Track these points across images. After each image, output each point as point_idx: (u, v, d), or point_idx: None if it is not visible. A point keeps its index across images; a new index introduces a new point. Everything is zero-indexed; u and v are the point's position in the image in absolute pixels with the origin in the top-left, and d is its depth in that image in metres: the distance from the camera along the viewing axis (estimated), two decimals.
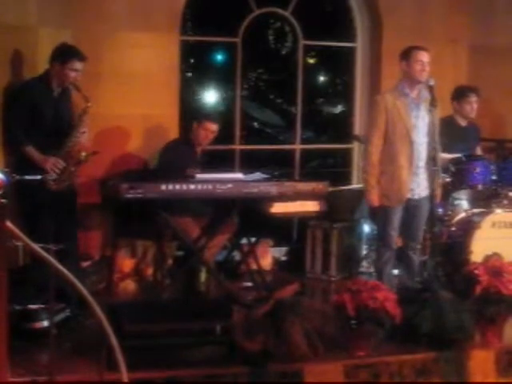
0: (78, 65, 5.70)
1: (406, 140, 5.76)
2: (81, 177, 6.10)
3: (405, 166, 5.77)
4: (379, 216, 5.95)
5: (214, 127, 6.46)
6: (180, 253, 6.47)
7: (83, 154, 5.75)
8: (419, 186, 5.85)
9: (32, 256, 4.73)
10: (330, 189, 5.93)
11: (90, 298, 3.17)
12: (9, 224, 2.95)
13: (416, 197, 5.85)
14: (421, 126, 5.81)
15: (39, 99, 5.70)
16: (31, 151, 5.61)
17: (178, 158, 6.23)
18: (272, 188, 5.59)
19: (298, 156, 7.91)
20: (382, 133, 5.77)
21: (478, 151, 7.11)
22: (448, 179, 6.41)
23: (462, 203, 6.78)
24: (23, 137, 5.62)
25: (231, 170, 7.21)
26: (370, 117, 6.08)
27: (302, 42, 7.79)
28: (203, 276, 6.56)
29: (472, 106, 6.88)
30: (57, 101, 5.80)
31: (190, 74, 8.31)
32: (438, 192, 5.93)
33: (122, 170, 6.58)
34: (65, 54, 5.70)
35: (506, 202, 6.65)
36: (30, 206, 5.53)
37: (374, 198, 5.79)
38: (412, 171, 5.79)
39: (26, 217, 5.32)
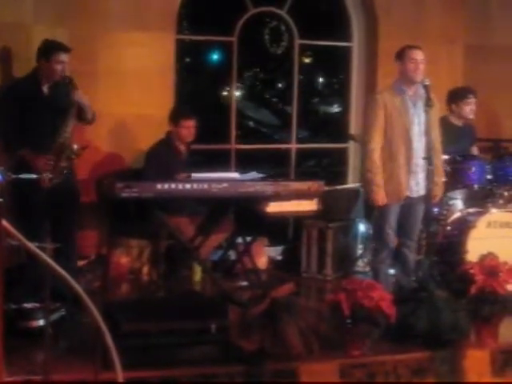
0: (63, 56, 5.69)
1: (405, 137, 5.77)
2: (76, 175, 6.09)
3: (403, 164, 5.78)
4: (376, 214, 5.95)
5: (192, 122, 6.46)
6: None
7: (74, 147, 5.73)
8: (418, 185, 5.84)
9: (28, 255, 4.71)
10: (326, 188, 5.92)
11: (85, 297, 3.16)
12: (5, 223, 2.94)
13: (414, 195, 5.86)
14: (418, 123, 5.81)
15: (27, 98, 5.67)
16: (23, 154, 5.58)
17: (162, 165, 6.20)
18: (267, 187, 5.57)
19: (293, 155, 7.91)
20: (382, 130, 5.76)
21: (475, 151, 7.11)
22: (443, 179, 6.41)
23: (458, 203, 6.79)
24: (14, 141, 5.59)
25: (227, 169, 7.21)
26: (367, 116, 6.05)
27: (298, 41, 7.79)
28: (199, 275, 6.57)
29: (472, 107, 6.89)
30: (48, 97, 5.77)
31: (185, 73, 8.30)
32: (438, 191, 5.94)
33: (117, 168, 6.58)
34: (49, 49, 5.70)
35: (501, 201, 6.65)
36: (25, 205, 5.51)
37: (381, 198, 5.76)
38: (410, 169, 5.80)
39: (22, 216, 5.30)
